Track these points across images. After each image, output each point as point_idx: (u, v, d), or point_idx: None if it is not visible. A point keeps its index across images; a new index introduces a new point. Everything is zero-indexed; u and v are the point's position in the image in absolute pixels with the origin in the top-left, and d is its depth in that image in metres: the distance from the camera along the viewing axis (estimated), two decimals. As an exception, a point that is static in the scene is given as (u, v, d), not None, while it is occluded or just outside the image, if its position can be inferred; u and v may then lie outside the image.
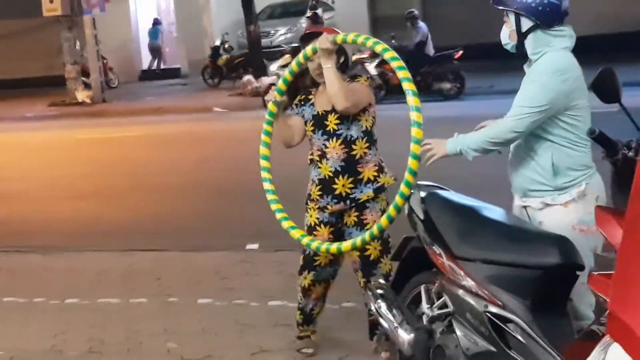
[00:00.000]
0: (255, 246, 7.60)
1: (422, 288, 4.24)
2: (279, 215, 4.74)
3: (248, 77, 20.85)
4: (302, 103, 4.92)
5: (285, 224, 4.69)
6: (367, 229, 4.66)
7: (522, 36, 3.98)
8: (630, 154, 3.26)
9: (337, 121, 4.79)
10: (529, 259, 3.58)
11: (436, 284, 4.10)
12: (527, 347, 3.55)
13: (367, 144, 4.81)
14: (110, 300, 6.44)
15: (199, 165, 11.93)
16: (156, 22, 28.63)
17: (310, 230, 4.89)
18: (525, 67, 4.11)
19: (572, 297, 3.79)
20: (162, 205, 9.84)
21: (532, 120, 3.86)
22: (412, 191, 4.25)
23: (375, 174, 4.81)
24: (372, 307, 4.41)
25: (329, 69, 4.60)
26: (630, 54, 17.33)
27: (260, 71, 20.42)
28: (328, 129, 4.81)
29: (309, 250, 4.90)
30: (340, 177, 4.77)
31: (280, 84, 4.78)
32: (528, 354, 3.55)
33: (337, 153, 4.79)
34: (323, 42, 4.58)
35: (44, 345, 5.60)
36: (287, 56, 16.74)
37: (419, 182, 4.40)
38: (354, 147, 4.79)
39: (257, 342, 5.38)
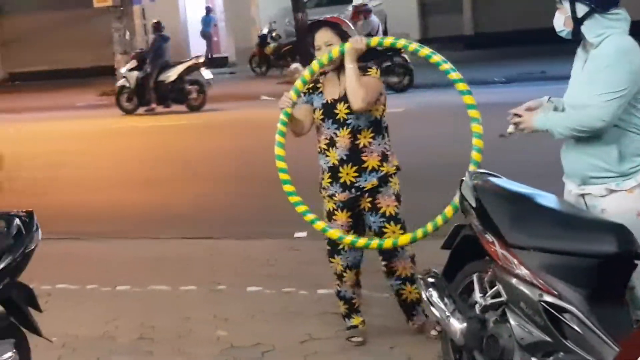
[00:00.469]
0: (303, 234, 7.60)
1: (475, 277, 4.20)
2: (309, 217, 4.93)
3: (295, 65, 20.82)
4: (311, 91, 4.93)
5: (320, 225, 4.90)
6: (382, 213, 4.87)
7: (578, 22, 3.92)
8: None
9: (347, 110, 4.82)
10: (586, 247, 3.50)
11: (489, 273, 4.05)
12: (583, 337, 3.49)
13: (372, 134, 4.87)
14: (160, 287, 6.50)
15: (248, 154, 11.94)
16: (209, 10, 28.71)
17: (330, 215, 4.97)
18: (580, 51, 4.05)
19: (633, 285, 3.72)
20: (212, 194, 9.89)
21: (618, 106, 3.79)
22: (463, 179, 4.24)
23: (379, 163, 4.88)
24: (424, 296, 4.39)
25: (352, 69, 4.69)
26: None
27: (308, 59, 20.38)
28: (338, 117, 4.85)
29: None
30: (345, 165, 4.85)
31: (299, 84, 4.81)
32: (584, 344, 3.50)
33: (344, 142, 4.85)
34: (358, 43, 4.64)
35: (95, 332, 5.66)
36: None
37: (470, 170, 4.38)
38: (358, 136, 4.86)
39: (306, 329, 5.39)
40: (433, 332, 5.03)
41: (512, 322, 3.83)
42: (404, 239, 4.83)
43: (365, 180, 4.86)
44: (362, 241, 4.83)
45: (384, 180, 4.89)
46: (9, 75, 27.60)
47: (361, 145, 4.85)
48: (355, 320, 5.15)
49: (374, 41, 4.80)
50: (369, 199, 4.90)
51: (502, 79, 17.77)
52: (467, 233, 4.24)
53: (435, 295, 4.31)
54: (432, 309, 4.30)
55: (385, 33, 5.14)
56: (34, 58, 26.90)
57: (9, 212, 4.20)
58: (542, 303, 3.58)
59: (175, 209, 9.27)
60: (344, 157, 4.84)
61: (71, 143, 14.36)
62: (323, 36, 4.86)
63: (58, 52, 26.41)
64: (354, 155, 4.85)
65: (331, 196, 4.92)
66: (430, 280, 4.42)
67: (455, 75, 4.73)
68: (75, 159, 12.81)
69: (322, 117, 4.87)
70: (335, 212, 4.94)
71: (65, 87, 24.25)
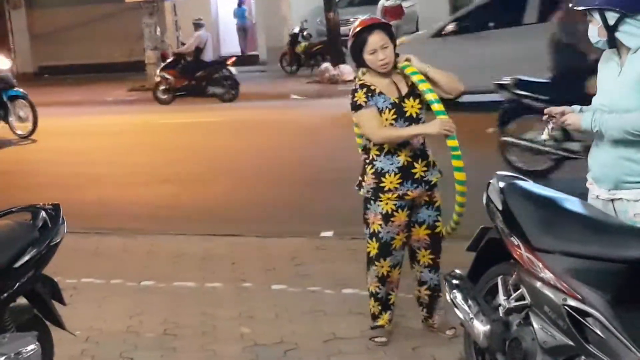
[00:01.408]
0: (330, 233, 7.63)
1: (499, 280, 4.21)
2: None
3: (326, 65, 20.88)
4: (370, 96, 4.89)
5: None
6: (437, 207, 5.06)
7: (611, 30, 3.91)
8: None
9: (419, 106, 4.90)
10: (612, 252, 3.49)
11: (513, 276, 4.06)
12: (607, 342, 3.48)
13: None
14: (185, 283, 6.53)
15: (276, 152, 12.00)
16: (241, 2, 28.71)
17: (387, 217, 4.94)
18: (609, 57, 4.06)
19: None
20: (239, 191, 9.95)
21: None
22: (490, 181, 4.27)
23: (434, 158, 5.00)
24: (448, 297, 4.42)
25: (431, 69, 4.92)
26: None
27: (339, 59, 20.41)
28: (408, 114, 4.88)
29: (385, 237, 4.96)
30: (419, 160, 4.91)
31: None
32: (608, 349, 3.48)
33: (418, 138, 4.90)
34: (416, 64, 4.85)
35: (120, 326, 5.70)
36: None
37: (497, 172, 4.39)
38: None
39: (331, 329, 5.41)
40: (449, 332, 5.10)
41: (535, 325, 3.84)
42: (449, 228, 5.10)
43: (432, 174, 4.96)
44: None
45: (440, 174, 5.04)
46: (39, 68, 27.77)
47: (425, 141, 4.98)
48: (383, 320, 5.15)
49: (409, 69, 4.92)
50: (428, 193, 4.99)
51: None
52: (492, 236, 4.25)
53: (459, 297, 4.34)
54: (456, 310, 4.33)
55: (391, 34, 5.26)
56: (64, 52, 27.04)
57: (35, 205, 4.25)
58: (566, 307, 3.58)
59: (201, 206, 9.33)
60: (417, 153, 4.91)
61: (97, 139, 14.44)
62: (379, 39, 4.84)
63: (88, 47, 26.49)
64: (423, 151, 4.94)
65: (401, 196, 4.90)
66: (455, 282, 4.45)
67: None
68: (101, 155, 12.91)
69: (394, 117, 4.87)
70: (395, 213, 4.93)
71: (95, 82, 24.40)
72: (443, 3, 23.64)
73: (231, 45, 28.24)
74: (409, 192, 4.90)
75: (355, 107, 4.91)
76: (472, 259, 4.45)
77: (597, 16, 3.92)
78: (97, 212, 9.14)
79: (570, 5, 4.05)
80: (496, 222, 4.14)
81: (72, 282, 6.47)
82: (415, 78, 4.85)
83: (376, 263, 5.03)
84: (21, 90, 14.88)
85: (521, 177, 4.32)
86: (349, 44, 4.98)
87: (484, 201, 4.33)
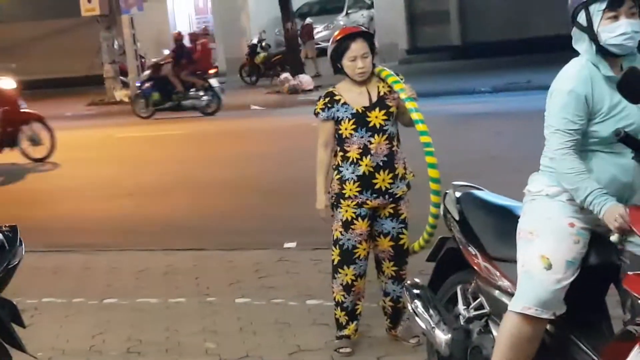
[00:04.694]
0: (293, 244, 7.64)
1: (459, 289, 4.22)
2: None
3: (285, 75, 20.91)
4: (330, 105, 4.93)
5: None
6: (402, 219, 5.02)
7: None
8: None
9: (385, 117, 4.90)
10: None
11: (472, 284, 4.08)
12: (564, 347, 3.54)
13: (398, 142, 4.99)
14: (149, 300, 6.50)
15: (237, 163, 12.00)
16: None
17: (347, 225, 4.96)
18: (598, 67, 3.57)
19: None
20: (200, 203, 9.93)
21: None
22: (447, 191, 4.30)
23: (404, 170, 5.00)
24: (409, 307, 4.43)
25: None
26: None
27: (298, 69, 20.47)
28: (372, 124, 4.89)
29: (346, 244, 4.97)
30: (382, 171, 4.90)
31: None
32: (565, 353, 3.54)
33: (381, 148, 4.90)
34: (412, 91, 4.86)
35: (82, 346, 5.64)
36: None
37: (454, 182, 4.42)
38: (393, 142, 4.95)
39: (296, 341, 5.40)
40: (412, 341, 5.09)
41: (495, 333, 3.86)
42: (422, 241, 5.03)
43: (397, 187, 4.94)
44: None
45: (408, 187, 5.03)
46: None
47: (395, 152, 4.94)
48: (349, 330, 5.15)
49: (385, 72, 4.96)
50: (392, 205, 4.97)
51: (488, 89, 17.88)
52: (451, 245, 4.27)
53: (420, 306, 4.34)
54: (418, 320, 4.33)
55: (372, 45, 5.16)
56: (22, 67, 26.82)
57: (-8, 226, 4.20)
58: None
59: (161, 219, 9.30)
60: (380, 164, 4.89)
61: (57, 154, 14.28)
62: (360, 47, 4.87)
63: (46, 62, 26.33)
64: (390, 162, 4.92)
65: (360, 204, 4.91)
66: (416, 291, 4.45)
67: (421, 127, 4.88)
68: (60, 171, 12.83)
69: (354, 126, 4.88)
70: (355, 222, 4.94)
71: (53, 97, 24.14)
72: (400, 13, 23.88)
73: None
74: (367, 201, 4.91)
75: (315, 113, 5.02)
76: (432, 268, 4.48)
77: None
78: (57, 229, 9.06)
79: None
80: (454, 232, 4.16)
81: (32, 302, 6.41)
82: (390, 80, 4.90)
83: (340, 270, 5.04)
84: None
85: (477, 186, 4.35)
86: (330, 49, 5.00)
87: (442, 212, 4.37)
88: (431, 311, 4.27)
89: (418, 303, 4.37)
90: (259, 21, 26.25)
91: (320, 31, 26.57)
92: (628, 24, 3.42)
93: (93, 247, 8.18)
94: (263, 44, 24.16)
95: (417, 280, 4.61)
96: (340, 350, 5.12)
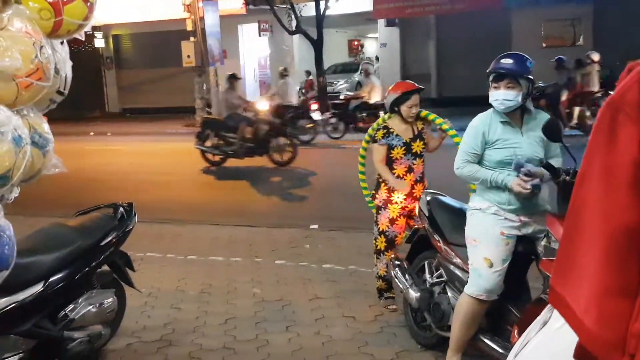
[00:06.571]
0: (316, 226, 7.60)
1: (426, 262, 4.22)
2: None
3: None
4: (387, 135, 4.74)
5: None
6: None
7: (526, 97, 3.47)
8: (568, 178, 3.16)
9: (422, 146, 4.75)
10: None
11: (435, 260, 4.07)
12: (499, 309, 3.53)
13: (424, 164, 4.85)
14: (217, 258, 6.49)
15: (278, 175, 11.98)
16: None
17: (392, 221, 4.76)
18: (498, 117, 3.50)
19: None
20: (254, 195, 9.88)
21: None
22: (421, 196, 4.28)
23: (427, 183, 4.86)
24: (392, 273, 4.42)
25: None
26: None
27: (325, 108, 20.35)
28: (414, 151, 4.74)
29: (390, 235, 4.76)
30: (419, 184, 4.75)
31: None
32: (500, 314, 3.53)
33: (419, 168, 4.75)
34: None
35: (171, 286, 5.67)
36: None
37: (426, 190, 4.40)
38: (424, 164, 4.81)
39: (314, 291, 5.40)
40: (391, 307, 4.84)
41: (449, 294, 3.86)
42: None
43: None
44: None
45: None
46: (123, 109, 27.79)
47: (424, 171, 4.82)
48: (392, 293, 4.87)
49: (431, 116, 4.90)
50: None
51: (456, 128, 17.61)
52: (422, 233, 4.27)
53: (399, 273, 4.35)
54: (397, 282, 4.33)
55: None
56: (140, 98, 27.18)
57: (116, 203, 4.24)
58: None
59: (227, 205, 9.25)
60: (418, 179, 4.75)
61: (162, 158, 14.37)
62: (416, 99, 4.71)
63: (157, 96, 26.60)
64: (422, 178, 4.79)
65: (404, 207, 4.74)
66: (397, 262, 4.46)
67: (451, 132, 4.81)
68: (162, 169, 12.83)
69: (404, 152, 4.73)
70: (398, 219, 4.75)
71: (160, 120, 24.29)
72: (396, 71, 23.79)
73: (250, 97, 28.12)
74: (408, 206, 4.76)
75: (374, 140, 4.80)
76: (409, 248, 4.47)
77: (524, 82, 3.37)
78: (158, 207, 9.03)
79: (501, 71, 3.45)
80: (424, 224, 4.16)
81: (140, 255, 6.44)
82: (438, 121, 4.80)
83: (385, 253, 4.79)
84: None
85: (441, 193, 4.34)
86: (393, 96, 4.70)
87: (417, 210, 4.35)
88: (407, 277, 4.27)
89: (398, 271, 4.37)
90: (301, 75, 26.06)
91: (341, 84, 26.45)
92: (501, 94, 3.39)
93: (181, 220, 8.18)
94: (303, 90, 23.98)
95: (398, 255, 4.60)
96: (389, 307, 4.84)
